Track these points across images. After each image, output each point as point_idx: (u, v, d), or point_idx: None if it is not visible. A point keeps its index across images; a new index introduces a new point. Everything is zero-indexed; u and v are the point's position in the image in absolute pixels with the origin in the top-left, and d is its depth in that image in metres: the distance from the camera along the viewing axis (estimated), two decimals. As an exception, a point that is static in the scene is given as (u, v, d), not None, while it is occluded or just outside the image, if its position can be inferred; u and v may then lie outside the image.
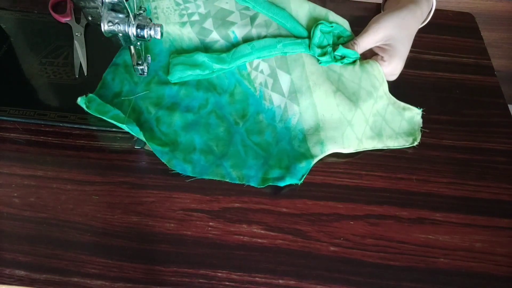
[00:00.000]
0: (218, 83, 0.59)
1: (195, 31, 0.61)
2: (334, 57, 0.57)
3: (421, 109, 0.58)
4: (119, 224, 0.48)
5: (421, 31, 0.69)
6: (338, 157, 0.55)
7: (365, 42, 0.57)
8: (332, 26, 0.59)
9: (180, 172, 0.51)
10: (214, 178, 0.51)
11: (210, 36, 0.61)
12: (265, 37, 0.59)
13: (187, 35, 0.62)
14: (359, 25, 0.60)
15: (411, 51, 0.67)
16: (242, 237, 0.48)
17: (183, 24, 0.61)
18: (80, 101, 0.53)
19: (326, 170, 0.54)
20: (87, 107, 0.52)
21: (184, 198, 0.50)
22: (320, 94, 0.55)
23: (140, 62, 0.55)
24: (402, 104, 0.58)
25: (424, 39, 0.69)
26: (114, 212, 0.49)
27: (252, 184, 0.51)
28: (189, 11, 0.62)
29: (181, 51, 0.61)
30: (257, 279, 0.46)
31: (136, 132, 0.52)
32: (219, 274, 0.46)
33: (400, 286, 0.46)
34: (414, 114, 0.58)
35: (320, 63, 0.57)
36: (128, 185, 0.51)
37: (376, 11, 0.71)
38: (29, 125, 0.55)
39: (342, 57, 0.57)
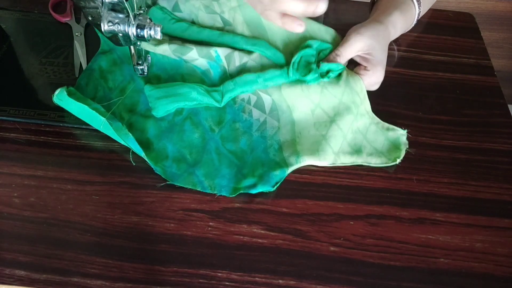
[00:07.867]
0: None
1: (172, 49, 0.58)
2: (320, 74, 0.56)
3: (406, 130, 0.56)
4: (119, 224, 0.48)
5: (421, 32, 0.69)
6: (339, 157, 0.55)
7: (348, 52, 0.57)
8: (309, 46, 0.59)
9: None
10: (185, 186, 0.51)
11: (189, 54, 0.58)
12: (246, 63, 0.58)
13: (162, 53, 0.59)
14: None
15: (411, 51, 0.68)
16: (242, 237, 0.48)
17: (160, 42, 0.59)
18: (60, 91, 0.52)
19: (326, 170, 0.54)
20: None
21: (184, 198, 0.50)
22: (298, 114, 0.56)
23: (140, 62, 0.54)
24: (386, 124, 0.57)
25: (424, 39, 0.69)
26: (114, 212, 0.49)
27: (223, 194, 0.51)
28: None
29: (154, 78, 0.59)
30: (257, 279, 0.46)
31: (116, 127, 0.51)
32: (219, 274, 0.46)
33: (400, 286, 0.46)
34: (399, 135, 0.56)
35: (307, 83, 0.56)
36: (128, 185, 0.51)
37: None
38: (29, 125, 0.55)
39: (328, 72, 0.57)
